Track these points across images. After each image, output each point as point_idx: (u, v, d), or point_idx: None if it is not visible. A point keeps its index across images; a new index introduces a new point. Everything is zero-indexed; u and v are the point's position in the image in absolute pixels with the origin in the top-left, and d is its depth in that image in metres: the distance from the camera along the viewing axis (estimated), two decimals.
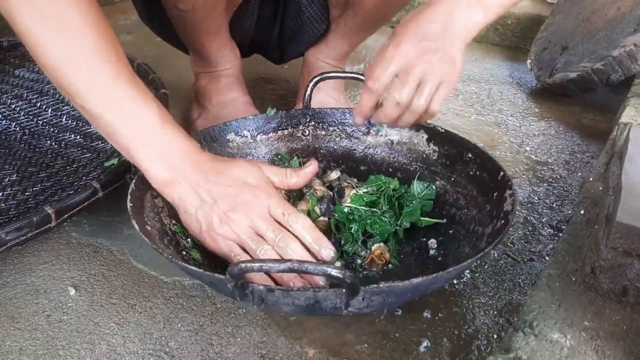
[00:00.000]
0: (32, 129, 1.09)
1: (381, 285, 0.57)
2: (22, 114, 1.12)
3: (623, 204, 0.62)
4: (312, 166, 0.79)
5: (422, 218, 0.81)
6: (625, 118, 1.00)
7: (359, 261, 0.79)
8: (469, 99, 1.38)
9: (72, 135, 1.07)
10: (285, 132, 0.96)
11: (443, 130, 0.87)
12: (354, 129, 0.95)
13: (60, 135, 1.07)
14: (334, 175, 0.89)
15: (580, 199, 0.82)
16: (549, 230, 0.92)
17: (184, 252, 0.74)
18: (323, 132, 0.96)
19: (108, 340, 0.71)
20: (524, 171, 1.08)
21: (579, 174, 1.07)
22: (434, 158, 0.88)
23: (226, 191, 0.69)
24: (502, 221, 0.70)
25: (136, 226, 0.67)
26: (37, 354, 0.69)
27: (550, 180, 1.05)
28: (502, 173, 0.75)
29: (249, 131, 0.93)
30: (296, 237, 0.69)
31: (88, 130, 1.07)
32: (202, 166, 0.70)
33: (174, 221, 0.76)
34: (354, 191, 0.82)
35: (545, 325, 0.60)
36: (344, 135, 0.96)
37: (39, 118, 1.11)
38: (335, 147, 0.96)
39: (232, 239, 0.70)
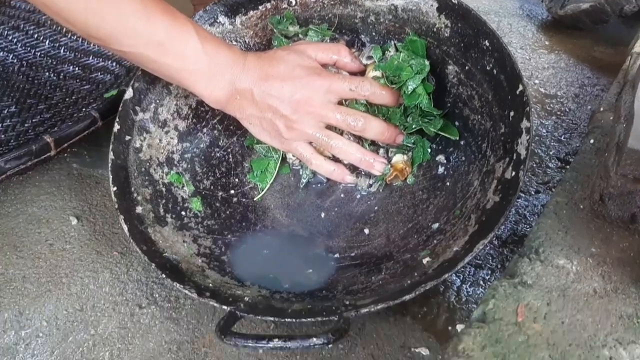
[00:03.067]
0: (29, 61, 1.06)
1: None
2: (19, 45, 1.09)
3: (635, 130, 0.60)
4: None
5: (436, 130, 0.74)
6: (638, 48, 0.97)
7: (380, 173, 0.75)
8: None
9: (71, 67, 1.04)
10: (268, 5, 0.82)
11: (455, 1, 0.74)
12: None
13: (58, 66, 1.05)
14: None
15: (590, 128, 0.80)
16: (557, 162, 0.91)
17: (183, 206, 0.74)
18: None
19: (111, 269, 0.72)
20: (533, 104, 1.05)
21: (589, 107, 1.05)
22: (446, 35, 0.76)
23: (281, 94, 0.69)
24: (513, 172, 0.64)
25: (126, 231, 0.67)
26: (40, 282, 0.69)
27: (558, 113, 1.03)
28: (521, 88, 0.67)
29: (225, 16, 0.81)
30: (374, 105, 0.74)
31: (87, 62, 1.04)
32: (251, 73, 0.69)
33: (166, 169, 0.75)
34: (374, 73, 0.76)
35: (551, 252, 0.59)
36: (337, 0, 0.82)
37: (37, 50, 1.08)
38: (329, 15, 0.82)
39: (303, 140, 0.72)
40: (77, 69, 1.04)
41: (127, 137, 0.74)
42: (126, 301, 0.68)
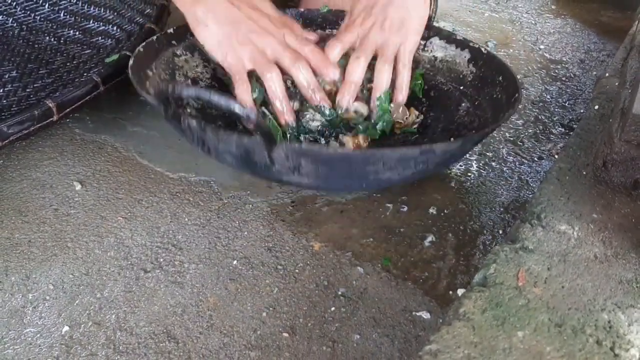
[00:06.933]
0: (29, 25, 1.05)
1: (303, 147, 0.64)
2: (18, 9, 1.08)
3: None
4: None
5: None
6: None
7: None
8: None
9: (72, 31, 1.04)
10: None
11: (485, 51, 0.82)
12: None
13: (59, 31, 1.04)
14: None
15: (594, 94, 0.79)
16: (560, 129, 0.90)
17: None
18: None
19: (116, 234, 0.72)
20: (537, 70, 1.04)
21: (594, 72, 1.04)
22: (469, 80, 0.83)
23: (249, 13, 0.75)
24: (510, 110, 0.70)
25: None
26: (46, 246, 0.70)
27: (563, 79, 1.02)
28: (516, 95, 0.72)
29: None
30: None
31: (87, 26, 1.03)
32: None
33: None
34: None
35: (553, 217, 0.60)
36: None
37: (36, 13, 1.07)
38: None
39: (248, 57, 0.75)
40: (77, 33, 1.03)
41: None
42: (131, 265, 0.69)
